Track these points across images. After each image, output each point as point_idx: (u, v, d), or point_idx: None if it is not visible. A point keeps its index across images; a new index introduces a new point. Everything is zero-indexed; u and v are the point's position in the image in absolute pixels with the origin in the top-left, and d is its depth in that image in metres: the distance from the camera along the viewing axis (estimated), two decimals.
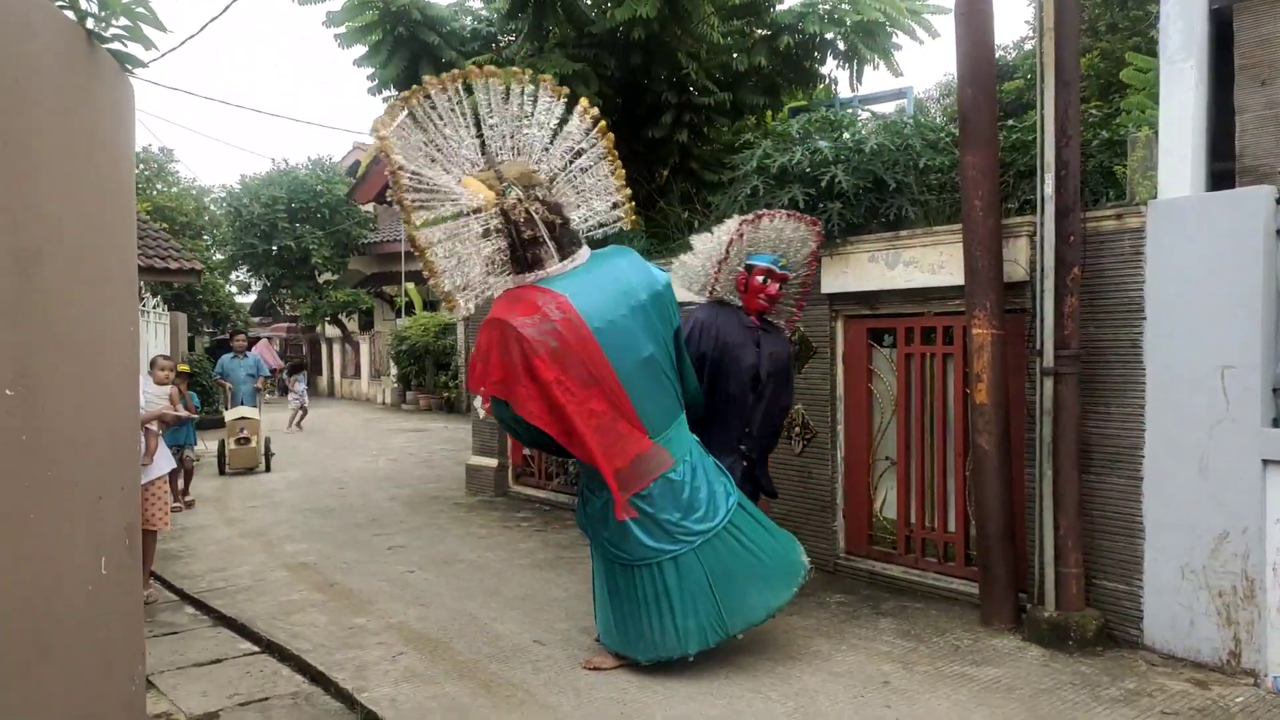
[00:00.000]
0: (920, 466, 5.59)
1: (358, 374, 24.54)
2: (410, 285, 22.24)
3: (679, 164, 8.54)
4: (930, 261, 5.31)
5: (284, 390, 21.33)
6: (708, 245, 5.12)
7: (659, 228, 7.91)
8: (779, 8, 7.82)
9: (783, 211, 5.23)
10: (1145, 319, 4.40)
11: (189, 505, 8.81)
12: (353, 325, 25.54)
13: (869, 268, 5.65)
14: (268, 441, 11.52)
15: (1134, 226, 4.45)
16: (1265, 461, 4.01)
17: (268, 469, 11.30)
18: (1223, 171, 4.88)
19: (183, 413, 7.38)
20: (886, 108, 8.66)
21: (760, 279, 5.00)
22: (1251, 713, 3.74)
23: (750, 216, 5.08)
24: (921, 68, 43.82)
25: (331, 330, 25.89)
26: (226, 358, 11.64)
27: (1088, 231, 4.57)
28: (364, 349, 24.17)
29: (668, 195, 8.34)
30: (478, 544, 7.03)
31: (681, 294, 5.00)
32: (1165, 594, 4.35)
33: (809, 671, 4.22)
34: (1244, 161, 4.80)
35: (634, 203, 8.25)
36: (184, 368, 8.91)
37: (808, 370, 6.10)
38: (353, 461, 12.19)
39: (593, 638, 4.71)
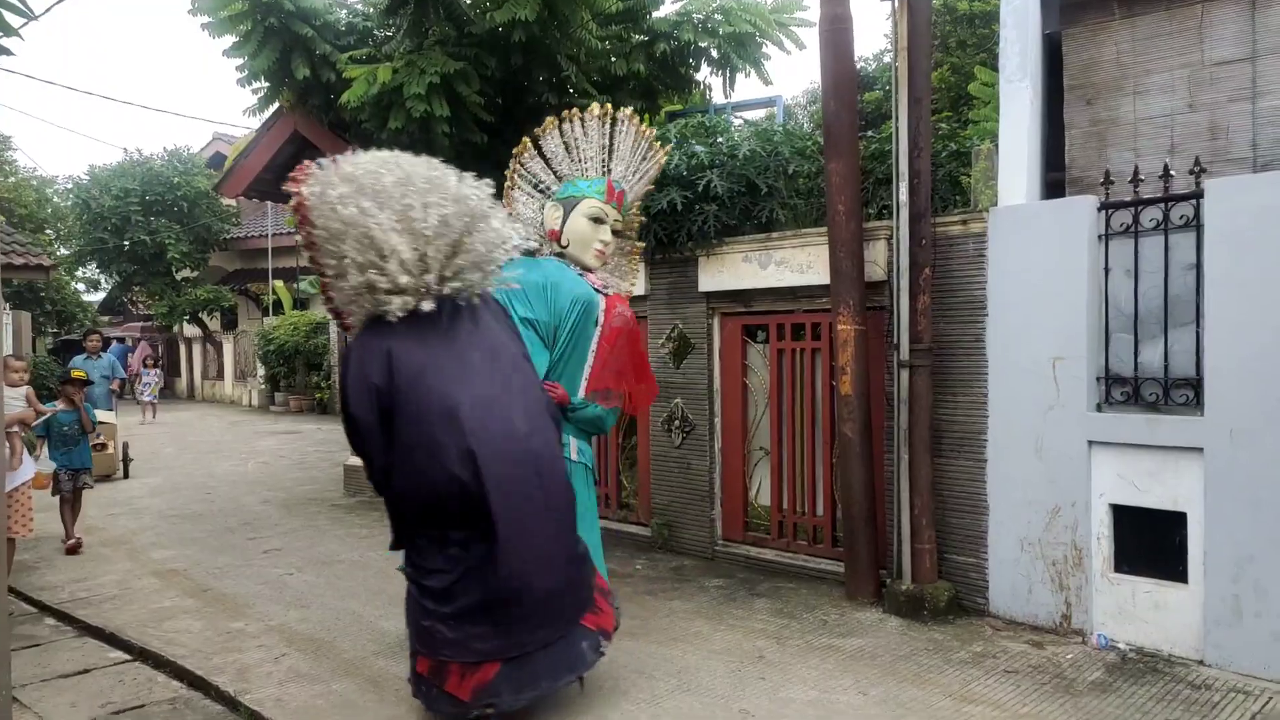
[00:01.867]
0: (792, 455, 5.92)
1: (220, 375, 23.43)
2: (279, 283, 21.44)
3: None
4: (799, 262, 5.64)
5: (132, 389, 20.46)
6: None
7: None
8: (655, 15, 8.04)
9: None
10: (988, 315, 4.84)
11: (76, 549, 6.93)
12: (215, 324, 24.37)
13: (743, 267, 5.93)
14: (125, 447, 10.94)
15: (977, 231, 4.88)
16: (1090, 442, 4.48)
17: (126, 475, 10.74)
18: (1057, 181, 5.41)
19: (45, 409, 6.94)
20: (758, 114, 9.04)
21: None
22: (1079, 667, 4.19)
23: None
24: (790, 76, 45.43)
25: (191, 330, 24.61)
26: (79, 359, 10.98)
27: (937, 235, 4.98)
28: (227, 349, 23.10)
29: None
30: (359, 543, 6.95)
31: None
32: (1007, 565, 4.79)
33: (690, 651, 4.44)
34: (1072, 173, 5.34)
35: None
36: (79, 374, 7.46)
37: (686, 365, 6.34)
38: (219, 466, 11.71)
39: None
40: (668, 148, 4.98)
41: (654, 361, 6.60)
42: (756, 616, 4.99)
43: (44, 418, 6.89)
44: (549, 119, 4.50)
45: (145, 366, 19.38)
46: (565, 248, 4.32)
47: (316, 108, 7.98)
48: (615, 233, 4.46)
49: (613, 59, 8.20)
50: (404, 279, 3.36)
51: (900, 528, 4.98)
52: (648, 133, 4.66)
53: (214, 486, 10.04)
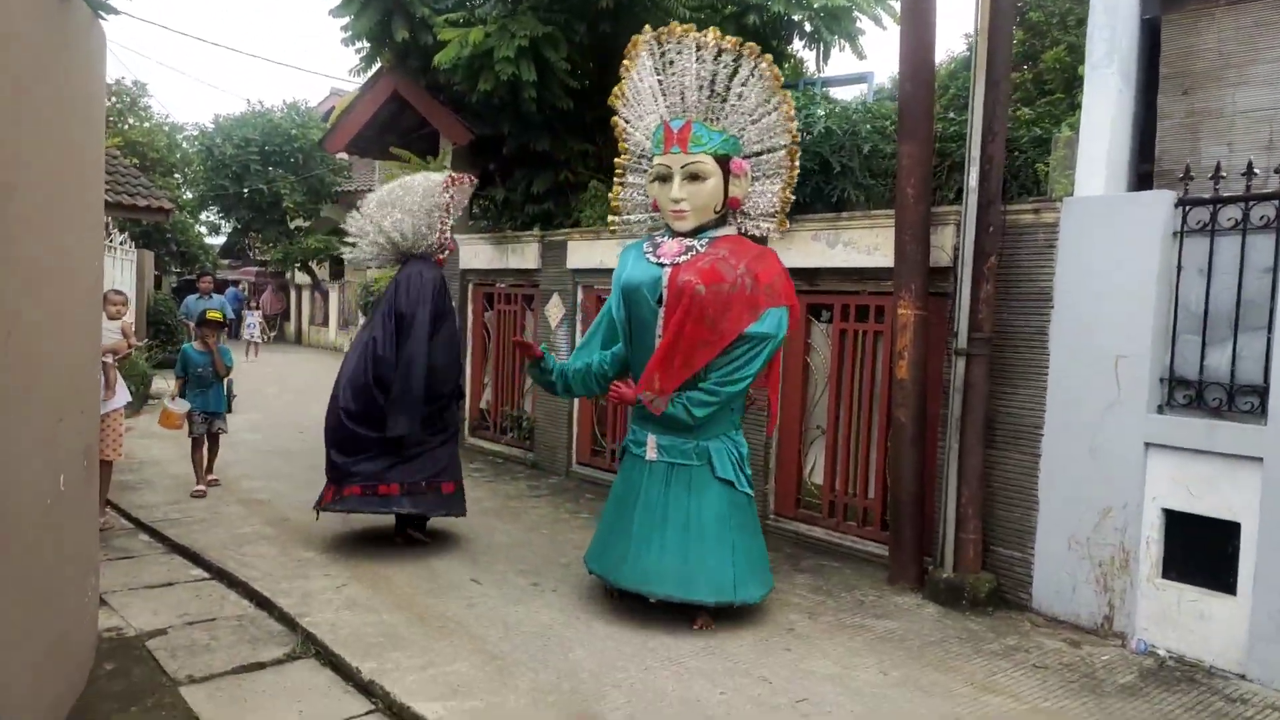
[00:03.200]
0: (847, 436, 5.93)
1: (325, 323, 24.55)
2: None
3: None
4: (867, 243, 5.61)
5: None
6: (421, 206, 5.46)
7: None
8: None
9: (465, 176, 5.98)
10: (1053, 308, 4.74)
11: (210, 485, 6.98)
12: (323, 273, 25.49)
13: (811, 246, 5.93)
14: (229, 383, 11.63)
15: (1049, 221, 4.77)
16: (1147, 444, 4.37)
17: (229, 410, 11.44)
18: (1149, 173, 5.21)
19: (136, 343, 7.23)
20: (849, 92, 8.90)
21: (452, 238, 6.03)
22: (1112, 669, 4.14)
23: (451, 179, 5.68)
24: (887, 53, 43.85)
25: (301, 278, 25.83)
26: (191, 298, 11.77)
27: (1008, 224, 4.89)
28: (333, 298, 24.17)
29: None
30: None
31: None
32: (1053, 562, 4.73)
33: (721, 618, 4.57)
34: (1162, 165, 5.12)
35: (601, 170, 8.46)
36: (215, 315, 7.24)
37: None
38: (314, 407, 12.30)
39: (529, 581, 5.03)
40: (773, 73, 4.15)
41: None
42: (796, 591, 5.07)
43: (128, 351, 6.59)
44: (619, 82, 4.17)
45: (248, 309, 20.52)
46: (659, 215, 4.10)
47: (414, 69, 8.28)
48: (695, 176, 3.86)
49: (703, 28, 8.21)
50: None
51: (945, 515, 4.97)
52: (728, 43, 4.02)
53: (307, 426, 10.60)
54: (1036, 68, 11.45)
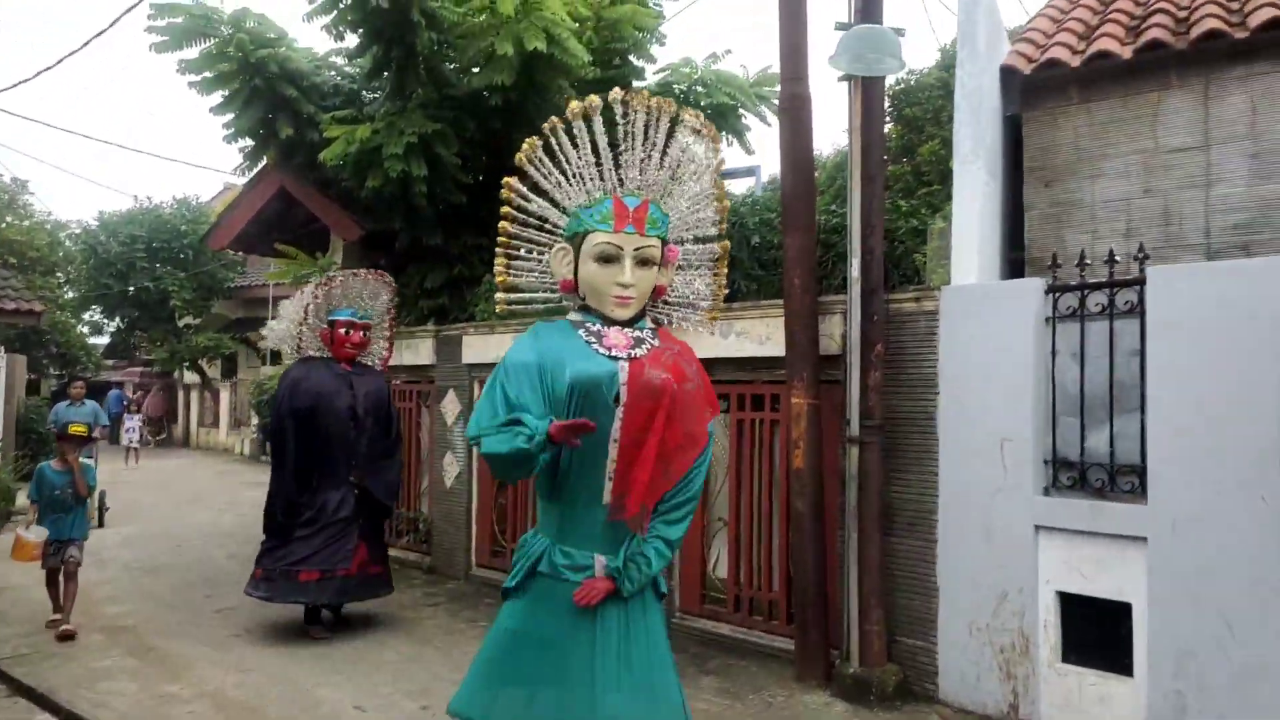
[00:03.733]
0: (749, 528, 5.83)
1: (216, 423, 23.45)
2: (271, 321, 21.54)
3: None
4: (759, 333, 5.63)
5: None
6: (291, 310, 5.99)
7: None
8: (636, 84, 8.20)
9: (351, 271, 6.38)
10: (938, 393, 4.80)
11: (68, 636, 5.84)
12: (214, 372, 24.47)
13: (706, 337, 5.90)
14: (102, 496, 10.87)
15: (929, 309, 4.88)
16: (1037, 527, 4.41)
17: (101, 524, 10.65)
18: (1019, 260, 5.42)
19: None
20: (739, 185, 9.14)
21: (343, 330, 6.09)
22: None
23: (322, 280, 6.11)
24: (774, 147, 45.87)
25: (190, 377, 24.72)
26: (62, 405, 11.04)
27: (891, 312, 4.98)
28: (224, 397, 23.16)
29: None
30: None
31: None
32: (956, 650, 4.67)
33: None
34: (1031, 253, 5.35)
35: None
36: (79, 429, 6.47)
37: None
38: (196, 516, 11.64)
39: (417, 704, 4.69)
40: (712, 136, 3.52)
41: None
42: (701, 695, 4.86)
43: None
44: (528, 141, 3.29)
45: (128, 412, 19.53)
46: (584, 300, 3.18)
47: (301, 165, 8.11)
48: (645, 261, 3.15)
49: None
50: None
51: (848, 607, 4.88)
52: (666, 106, 3.27)
53: (185, 538, 9.96)
54: (914, 160, 12.04)
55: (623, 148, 3.23)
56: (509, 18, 6.54)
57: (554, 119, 3.24)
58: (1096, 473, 4.28)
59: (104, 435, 12.15)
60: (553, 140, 3.23)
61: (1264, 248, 4.61)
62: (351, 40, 7.42)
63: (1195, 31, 4.87)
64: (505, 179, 3.40)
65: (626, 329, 3.20)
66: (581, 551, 3.05)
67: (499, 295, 3.46)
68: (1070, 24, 5.61)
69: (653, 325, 3.34)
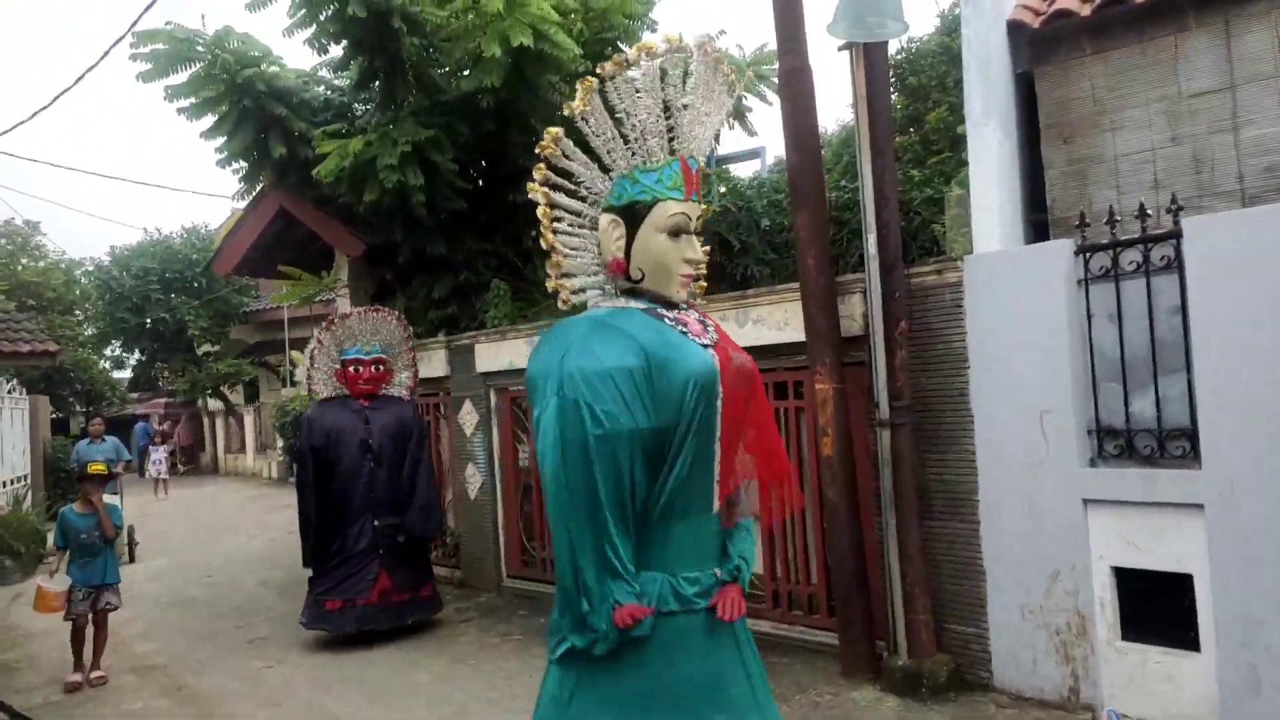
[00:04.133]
0: (783, 520, 5.64)
1: (243, 449, 23.52)
2: (295, 353, 21.56)
3: None
4: (776, 319, 5.43)
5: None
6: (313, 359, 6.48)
7: (525, 293, 7.89)
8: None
9: (358, 310, 6.61)
10: (969, 368, 4.59)
11: (96, 684, 5.72)
12: (237, 398, 24.56)
13: (724, 327, 5.73)
14: (131, 530, 10.86)
15: (953, 281, 4.66)
16: (1086, 501, 4.19)
17: (131, 560, 10.63)
18: (1041, 222, 5.19)
19: None
20: (746, 169, 8.92)
21: (353, 369, 6.35)
22: None
23: (325, 323, 6.35)
24: (778, 128, 45.53)
25: (214, 404, 24.82)
26: (83, 444, 11.00)
27: (913, 287, 4.76)
28: (248, 422, 23.22)
29: (536, 258, 8.36)
30: None
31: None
32: (1009, 634, 4.47)
33: None
34: (1054, 214, 5.12)
35: (502, 267, 8.23)
36: (98, 468, 6.19)
37: None
38: (227, 544, 11.61)
39: None
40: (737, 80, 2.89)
41: None
42: None
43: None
44: (583, 83, 2.55)
45: (154, 444, 19.59)
46: (639, 281, 2.55)
47: (298, 184, 7.98)
48: (698, 232, 2.64)
49: None
50: None
51: (892, 597, 4.69)
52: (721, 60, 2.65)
53: (216, 567, 9.91)
54: (922, 130, 11.76)
55: (686, 101, 2.62)
56: (494, 17, 6.36)
57: (612, 62, 2.54)
58: (1144, 439, 4.06)
59: (127, 470, 12.12)
60: (613, 91, 2.52)
61: None
62: (336, 53, 7.28)
63: None
64: (549, 130, 2.65)
65: (683, 311, 2.64)
66: (703, 571, 2.49)
67: (561, 283, 2.62)
68: None
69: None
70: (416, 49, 7.05)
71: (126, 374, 30.49)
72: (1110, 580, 4.13)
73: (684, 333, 2.51)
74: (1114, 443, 4.16)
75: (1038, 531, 4.33)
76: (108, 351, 27.04)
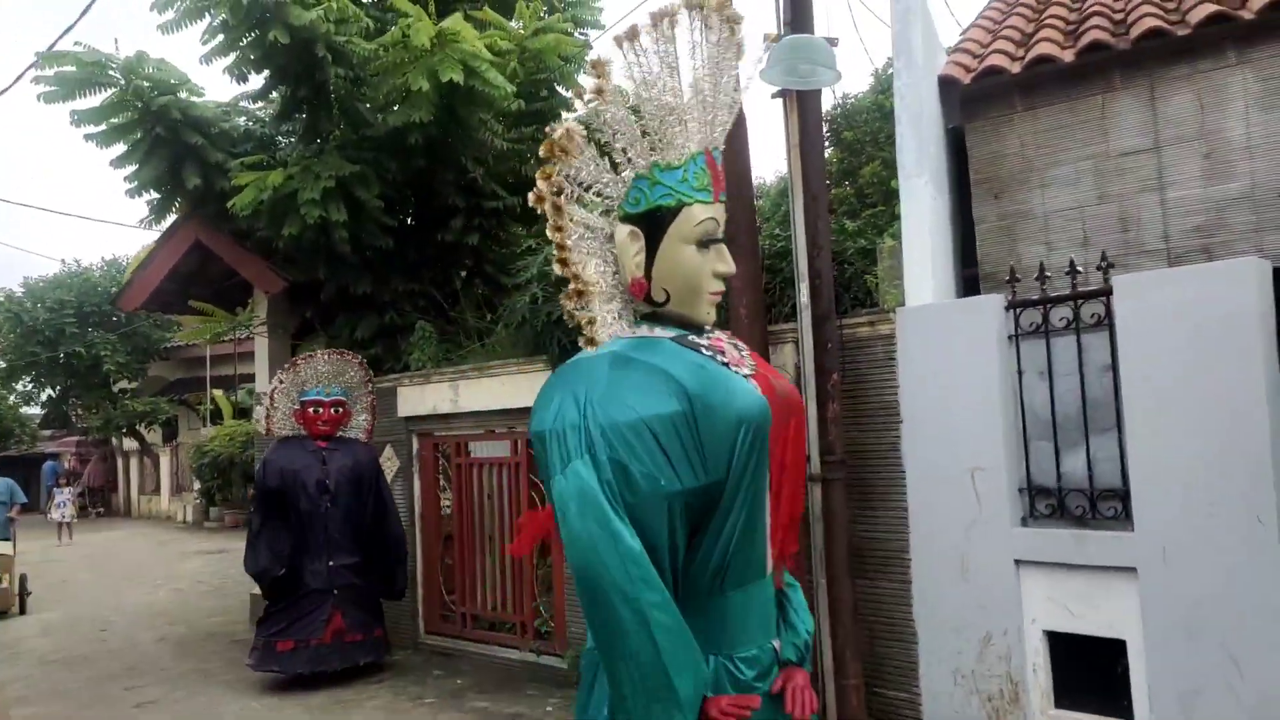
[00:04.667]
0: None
1: (157, 490, 22.47)
2: (218, 392, 20.78)
3: (475, 268, 8.35)
4: None
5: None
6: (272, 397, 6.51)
7: (453, 333, 7.63)
8: (565, 116, 7.88)
9: (319, 351, 6.71)
10: (901, 422, 4.48)
11: None
12: (154, 437, 23.51)
13: None
14: (23, 579, 10.15)
15: (885, 333, 4.57)
16: (1018, 561, 4.07)
17: (22, 611, 9.93)
18: (974, 277, 5.15)
19: None
20: None
21: (312, 410, 6.36)
22: None
23: (286, 365, 6.47)
24: None
25: (129, 443, 23.72)
26: None
27: (845, 338, 4.66)
28: (164, 462, 22.23)
29: (464, 299, 8.11)
30: (246, 691, 6.27)
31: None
32: (941, 701, 4.31)
33: None
34: (985, 268, 5.08)
35: (429, 308, 7.96)
36: None
37: None
38: (130, 595, 10.92)
39: None
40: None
41: None
42: None
43: None
44: (595, 62, 1.97)
45: (58, 485, 18.58)
46: (663, 304, 2.04)
47: (214, 216, 7.62)
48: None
49: (527, 160, 8.02)
50: None
51: (822, 661, 4.49)
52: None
53: (113, 621, 9.27)
54: (857, 183, 11.93)
55: (702, 74, 2.08)
56: (423, 51, 6.18)
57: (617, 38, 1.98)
58: (1076, 499, 3.97)
59: (24, 513, 11.38)
60: (634, 67, 1.99)
61: (1222, 249, 4.39)
62: (258, 82, 7.01)
63: (1135, 31, 4.68)
64: (565, 123, 1.99)
65: (717, 334, 2.17)
66: (761, 647, 2.03)
67: (576, 310, 1.96)
68: (1006, 32, 5.42)
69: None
70: (343, 81, 6.83)
71: (38, 410, 29.10)
72: (1043, 645, 4.01)
73: (724, 364, 2.02)
74: (1046, 502, 4.07)
75: (970, 593, 4.20)
76: (18, 386, 25.78)
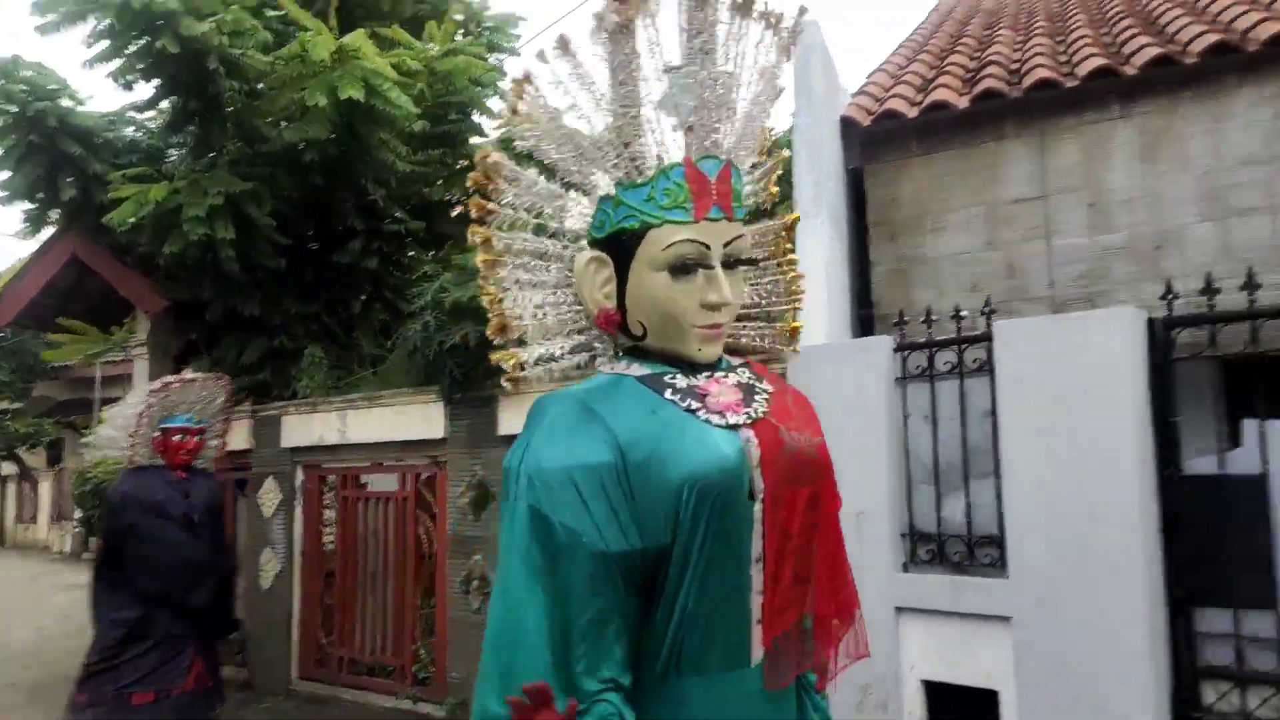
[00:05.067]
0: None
1: (35, 518, 21.13)
2: (105, 414, 19.73)
3: (375, 292, 8.08)
4: None
5: None
6: (121, 418, 5.36)
7: (347, 360, 7.34)
8: (475, 140, 7.74)
9: (199, 375, 5.90)
10: None
11: None
12: (37, 460, 22.15)
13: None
14: None
15: (779, 372, 4.48)
16: (898, 609, 4.01)
17: None
18: (870, 317, 5.15)
19: None
20: None
21: (176, 438, 5.63)
22: None
23: (157, 386, 5.62)
24: None
25: (7, 467, 22.30)
26: None
27: None
28: (44, 488, 20.94)
29: (362, 325, 7.83)
30: None
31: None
32: None
33: None
34: (879, 309, 5.09)
35: (322, 333, 7.65)
36: None
37: (487, 517, 5.66)
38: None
39: None
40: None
41: (450, 514, 5.92)
42: None
43: None
44: (513, 83, 1.72)
45: None
46: (642, 339, 1.76)
47: (92, 229, 7.20)
48: (736, 261, 1.73)
49: (432, 183, 7.83)
50: None
51: None
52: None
53: None
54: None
55: (680, 63, 1.77)
56: (322, 67, 5.97)
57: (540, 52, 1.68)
58: (955, 545, 3.93)
59: None
60: (562, 73, 1.71)
61: (1105, 298, 4.47)
62: (147, 91, 6.69)
63: (1027, 81, 4.79)
64: (479, 148, 1.85)
65: (720, 373, 1.83)
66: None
67: (506, 356, 1.73)
68: (908, 77, 5.51)
69: (733, 357, 1.94)
70: (238, 94, 6.55)
71: None
72: (920, 695, 3.93)
73: (693, 410, 1.70)
74: (926, 548, 4.02)
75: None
76: None
